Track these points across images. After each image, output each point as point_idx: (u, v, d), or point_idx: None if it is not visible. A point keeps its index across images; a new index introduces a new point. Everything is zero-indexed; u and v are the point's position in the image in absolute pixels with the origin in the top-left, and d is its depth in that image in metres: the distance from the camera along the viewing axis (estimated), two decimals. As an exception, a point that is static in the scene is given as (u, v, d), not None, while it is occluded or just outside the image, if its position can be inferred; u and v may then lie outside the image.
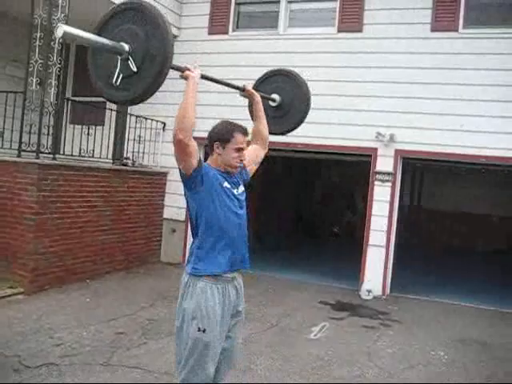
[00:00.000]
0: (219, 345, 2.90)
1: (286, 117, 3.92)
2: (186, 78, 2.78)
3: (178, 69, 2.76)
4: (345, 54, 8.08)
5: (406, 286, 8.15)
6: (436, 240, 13.52)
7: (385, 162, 7.82)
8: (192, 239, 3.02)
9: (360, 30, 7.97)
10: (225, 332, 2.95)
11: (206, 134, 3.06)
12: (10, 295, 6.17)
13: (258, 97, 3.45)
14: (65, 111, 7.49)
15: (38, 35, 6.60)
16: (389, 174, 7.79)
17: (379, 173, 7.84)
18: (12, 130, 6.90)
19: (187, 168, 2.78)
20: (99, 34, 2.61)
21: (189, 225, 3.10)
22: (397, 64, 7.73)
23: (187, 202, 2.96)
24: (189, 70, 2.79)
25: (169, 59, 2.49)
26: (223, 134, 2.97)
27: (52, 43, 6.62)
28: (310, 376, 4.60)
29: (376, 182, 7.88)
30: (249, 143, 3.25)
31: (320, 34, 8.29)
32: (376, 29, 7.90)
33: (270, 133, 3.57)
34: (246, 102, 3.82)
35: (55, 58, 6.68)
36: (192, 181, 2.82)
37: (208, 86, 3.59)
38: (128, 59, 2.52)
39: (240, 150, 2.97)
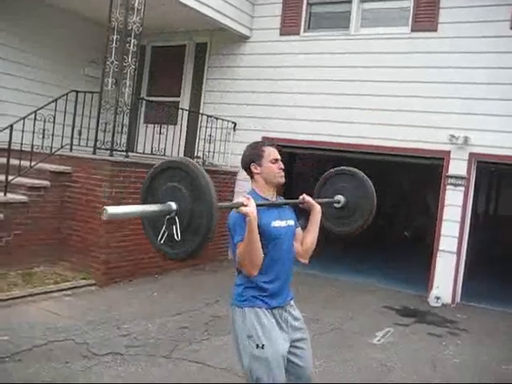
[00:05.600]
0: (282, 359, 2.80)
1: (352, 217, 3.72)
2: (243, 213, 2.61)
3: (232, 207, 2.67)
4: (418, 53, 7.87)
5: (478, 295, 7.82)
6: (513, 248, 12.86)
7: (458, 166, 7.55)
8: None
9: (435, 29, 7.73)
10: (287, 346, 2.85)
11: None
12: (83, 286, 6.47)
13: (318, 207, 3.18)
14: (139, 110, 7.75)
15: (115, 37, 6.87)
16: (462, 178, 7.51)
17: (451, 177, 7.58)
18: (89, 129, 7.22)
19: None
20: (150, 185, 2.54)
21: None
22: (473, 64, 7.44)
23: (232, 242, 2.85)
24: (243, 204, 2.60)
25: (212, 230, 2.34)
26: (253, 153, 2.95)
27: (127, 45, 6.88)
28: (371, 382, 4.52)
29: (448, 187, 7.63)
30: None
31: (393, 34, 8.12)
32: (452, 27, 7.64)
33: (337, 233, 3.50)
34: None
35: (130, 60, 6.93)
36: None
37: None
38: (174, 219, 2.39)
39: (276, 160, 2.93)
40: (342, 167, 3.79)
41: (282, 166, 2.99)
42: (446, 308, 7.30)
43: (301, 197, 3.19)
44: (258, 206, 2.66)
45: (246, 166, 2.98)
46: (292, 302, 3.01)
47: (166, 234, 2.44)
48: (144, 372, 4.22)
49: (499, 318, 7.02)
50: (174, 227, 2.39)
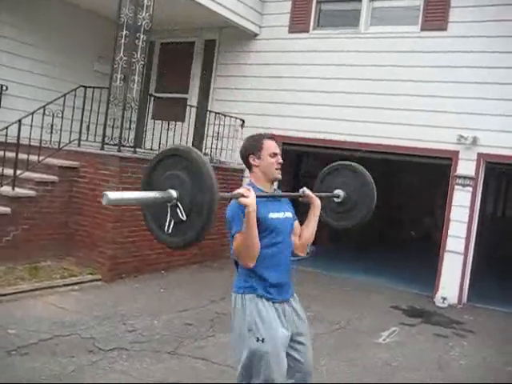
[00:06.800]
0: (283, 353, 2.79)
1: (351, 213, 3.69)
2: (243, 203, 2.62)
3: (232, 198, 2.67)
4: (428, 53, 7.82)
5: (485, 296, 7.77)
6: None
7: (466, 166, 7.50)
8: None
9: (444, 29, 7.68)
10: (287, 341, 2.85)
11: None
12: (89, 281, 6.49)
13: (317, 201, 3.16)
14: (147, 107, 7.76)
15: (124, 33, 6.89)
16: (470, 178, 7.47)
17: (460, 177, 7.53)
18: (97, 124, 7.23)
19: None
20: (149, 177, 2.54)
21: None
22: (483, 64, 7.39)
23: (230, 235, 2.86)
24: (243, 195, 2.61)
25: (213, 209, 2.34)
26: (253, 145, 2.95)
27: (136, 41, 6.89)
28: (376, 381, 4.51)
29: (456, 187, 7.58)
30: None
31: (402, 33, 8.07)
32: (462, 27, 7.58)
33: (335, 227, 3.48)
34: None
35: (139, 56, 6.94)
36: None
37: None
38: (177, 205, 2.40)
39: (275, 154, 2.93)
40: (342, 162, 3.79)
41: (281, 160, 2.98)
42: (452, 309, 7.26)
43: (301, 190, 3.19)
44: (257, 197, 2.67)
45: (245, 157, 2.98)
46: (295, 295, 3.02)
47: (172, 223, 2.44)
48: (149, 368, 4.22)
49: (506, 320, 6.98)
50: (178, 210, 2.40)
